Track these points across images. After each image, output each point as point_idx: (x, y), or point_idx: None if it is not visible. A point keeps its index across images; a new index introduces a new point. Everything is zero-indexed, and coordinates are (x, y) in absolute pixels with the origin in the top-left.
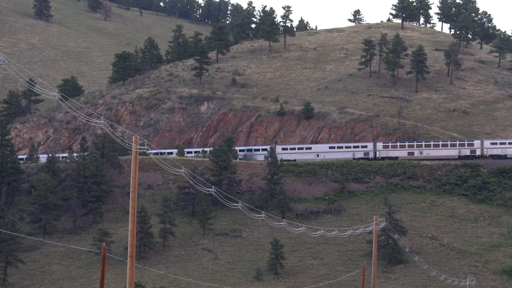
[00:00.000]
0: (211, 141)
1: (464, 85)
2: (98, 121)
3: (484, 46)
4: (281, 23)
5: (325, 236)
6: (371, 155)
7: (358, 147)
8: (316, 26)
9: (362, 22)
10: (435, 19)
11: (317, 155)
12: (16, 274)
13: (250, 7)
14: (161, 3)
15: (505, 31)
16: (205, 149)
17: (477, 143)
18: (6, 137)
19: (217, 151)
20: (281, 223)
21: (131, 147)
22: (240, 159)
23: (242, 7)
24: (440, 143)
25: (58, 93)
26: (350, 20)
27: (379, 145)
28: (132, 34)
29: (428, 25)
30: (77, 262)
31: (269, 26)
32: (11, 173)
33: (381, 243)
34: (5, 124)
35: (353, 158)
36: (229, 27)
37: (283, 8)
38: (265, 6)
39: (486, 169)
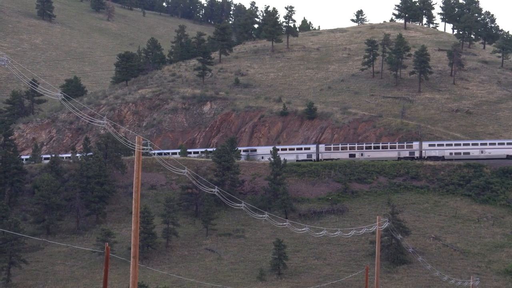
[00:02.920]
0: (214, 141)
1: (467, 85)
2: (101, 122)
3: (487, 46)
4: (284, 23)
5: (328, 236)
6: (313, 156)
7: (301, 149)
8: (319, 26)
9: (365, 22)
10: (438, 19)
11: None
12: (19, 274)
13: (253, 7)
14: (164, 4)
15: (508, 31)
16: (208, 149)
17: (416, 145)
18: (9, 138)
19: (220, 151)
20: (284, 224)
21: (134, 148)
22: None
23: (245, 7)
24: (380, 145)
25: (61, 93)
26: (353, 20)
27: (322, 147)
28: (135, 34)
29: (431, 25)
30: (81, 262)
31: (272, 26)
32: (14, 173)
33: (384, 243)
34: (8, 125)
35: (296, 160)
36: (232, 28)
37: (286, 8)
38: (268, 7)
39: (489, 169)
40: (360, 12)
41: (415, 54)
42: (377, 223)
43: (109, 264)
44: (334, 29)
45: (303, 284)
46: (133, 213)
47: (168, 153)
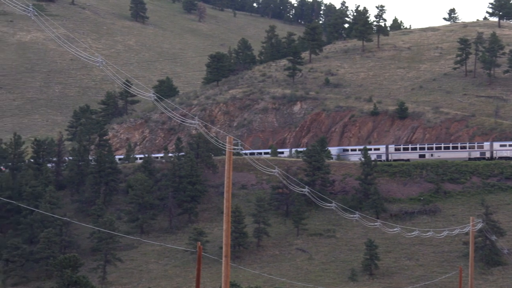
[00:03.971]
0: (304, 141)
1: None
2: (193, 122)
3: None
4: (375, 23)
5: (420, 236)
6: (383, 157)
7: (371, 149)
8: (410, 25)
9: (457, 21)
10: None
11: None
12: (114, 272)
13: (343, 7)
14: (255, 4)
15: None
16: (298, 149)
17: (486, 145)
18: (104, 138)
19: (311, 151)
20: (376, 224)
21: (225, 147)
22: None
23: (335, 7)
24: (451, 145)
25: (153, 94)
26: (445, 19)
27: (391, 147)
28: (225, 35)
29: None
30: (174, 261)
31: (362, 26)
32: (109, 173)
33: (478, 244)
34: (103, 125)
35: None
36: (322, 27)
37: (377, 7)
38: (359, 6)
39: None
40: (452, 11)
41: (510, 52)
42: (470, 223)
43: (201, 263)
44: (426, 28)
45: (395, 285)
46: (224, 212)
47: (259, 153)
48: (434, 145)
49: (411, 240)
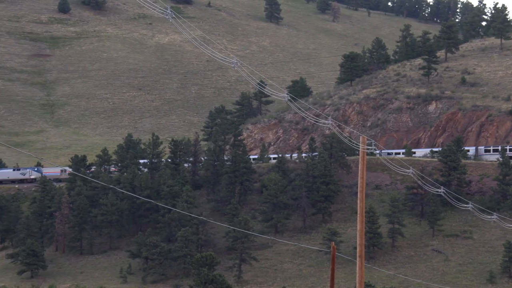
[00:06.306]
0: (440, 141)
1: None
2: (326, 122)
3: None
4: None
5: None
6: None
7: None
8: None
9: None
10: None
11: None
12: (250, 271)
13: (481, 5)
14: (389, 3)
15: None
16: (434, 149)
17: None
18: (239, 138)
19: (446, 151)
20: None
21: (359, 147)
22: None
23: (472, 5)
24: None
25: (287, 94)
26: None
27: None
28: (359, 34)
29: None
30: (308, 261)
31: (500, 24)
32: (244, 172)
33: None
34: (238, 125)
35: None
36: (458, 26)
37: None
38: (497, 3)
39: None
40: None
41: None
42: None
43: (335, 263)
44: None
45: None
46: (358, 212)
47: (393, 153)
48: None
49: None
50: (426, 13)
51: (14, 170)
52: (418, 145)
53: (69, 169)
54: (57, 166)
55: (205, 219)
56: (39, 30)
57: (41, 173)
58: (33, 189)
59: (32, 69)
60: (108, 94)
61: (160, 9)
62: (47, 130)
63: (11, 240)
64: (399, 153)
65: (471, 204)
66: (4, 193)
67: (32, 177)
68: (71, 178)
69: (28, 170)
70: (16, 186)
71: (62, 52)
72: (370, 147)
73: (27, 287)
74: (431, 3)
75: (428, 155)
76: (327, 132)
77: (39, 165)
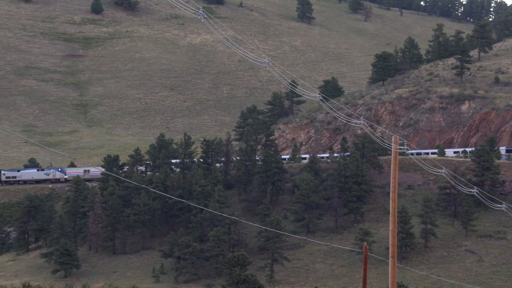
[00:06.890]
0: (473, 141)
1: None
2: (358, 122)
3: None
4: None
5: None
6: None
7: None
8: None
9: None
10: None
11: None
12: (282, 271)
13: None
14: (422, 3)
15: None
16: (467, 149)
17: None
18: (270, 138)
19: (479, 151)
20: None
21: (391, 147)
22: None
23: (506, 4)
24: None
25: (319, 94)
26: None
27: None
28: (392, 34)
29: None
30: (340, 261)
31: None
32: (275, 172)
33: None
34: (269, 125)
35: None
36: (491, 25)
37: None
38: None
39: None
40: None
41: None
42: None
43: (368, 264)
44: None
45: None
46: (390, 212)
47: (426, 153)
48: None
49: None
50: (459, 12)
51: (38, 170)
52: (451, 145)
53: (102, 169)
54: (91, 166)
55: (237, 219)
56: (73, 30)
57: (65, 174)
58: (66, 189)
59: (65, 70)
60: (140, 94)
61: (192, 9)
62: (80, 130)
63: (45, 239)
64: (432, 153)
65: (505, 204)
66: (38, 193)
67: (56, 177)
68: (103, 178)
69: (52, 170)
70: (50, 186)
71: (95, 52)
72: (402, 147)
73: (61, 286)
74: (464, 3)
75: (461, 155)
76: (359, 132)
77: (72, 165)
